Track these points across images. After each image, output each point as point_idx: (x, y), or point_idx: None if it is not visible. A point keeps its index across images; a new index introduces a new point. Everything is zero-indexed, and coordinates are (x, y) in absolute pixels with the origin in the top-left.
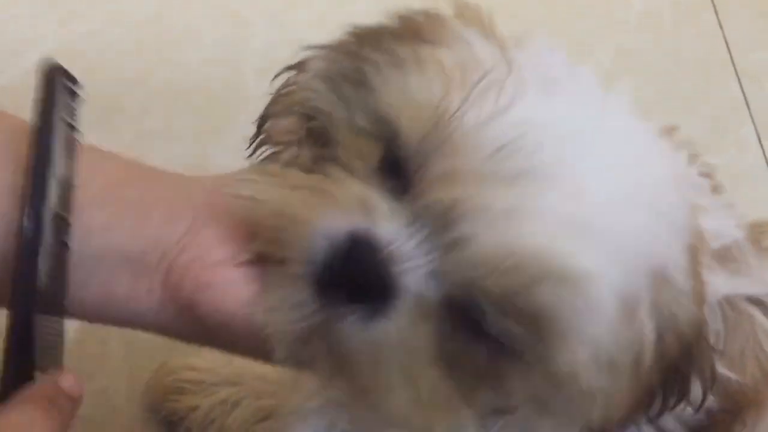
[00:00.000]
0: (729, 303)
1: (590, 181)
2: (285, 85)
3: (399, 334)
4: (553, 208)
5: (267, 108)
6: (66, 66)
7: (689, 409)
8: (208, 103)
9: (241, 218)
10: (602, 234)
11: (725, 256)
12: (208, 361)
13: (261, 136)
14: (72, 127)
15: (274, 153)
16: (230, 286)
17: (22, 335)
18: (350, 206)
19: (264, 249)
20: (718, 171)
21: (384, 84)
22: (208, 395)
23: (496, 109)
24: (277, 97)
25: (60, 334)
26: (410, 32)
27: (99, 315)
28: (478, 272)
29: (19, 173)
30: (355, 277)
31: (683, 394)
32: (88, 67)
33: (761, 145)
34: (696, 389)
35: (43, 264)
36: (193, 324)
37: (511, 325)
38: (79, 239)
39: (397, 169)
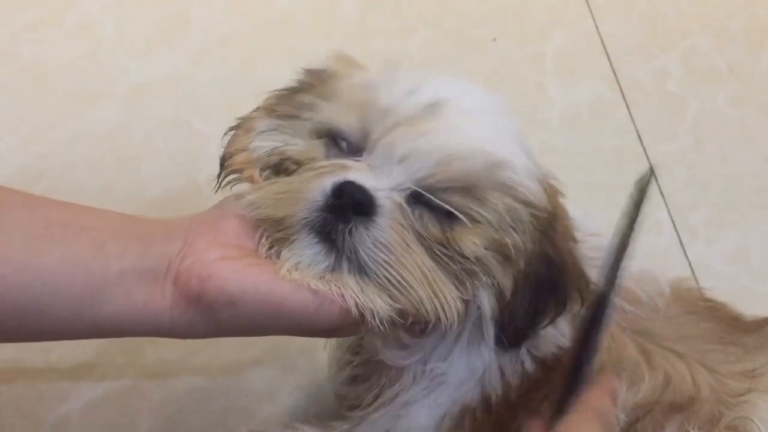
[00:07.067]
0: None
1: (461, 113)
2: (232, 138)
3: (389, 227)
4: (443, 124)
5: (224, 151)
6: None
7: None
8: (167, 214)
9: (248, 220)
10: (476, 128)
11: None
12: None
13: (224, 171)
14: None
15: (236, 178)
16: (228, 272)
17: (579, 359)
18: (327, 171)
19: (269, 228)
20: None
21: (324, 106)
22: None
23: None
24: (229, 143)
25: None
26: (319, 79)
27: (126, 323)
28: (421, 168)
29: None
30: (349, 204)
31: (561, 298)
32: (50, 185)
33: (675, 228)
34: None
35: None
36: (204, 314)
37: (449, 195)
38: (102, 265)
39: (342, 147)
